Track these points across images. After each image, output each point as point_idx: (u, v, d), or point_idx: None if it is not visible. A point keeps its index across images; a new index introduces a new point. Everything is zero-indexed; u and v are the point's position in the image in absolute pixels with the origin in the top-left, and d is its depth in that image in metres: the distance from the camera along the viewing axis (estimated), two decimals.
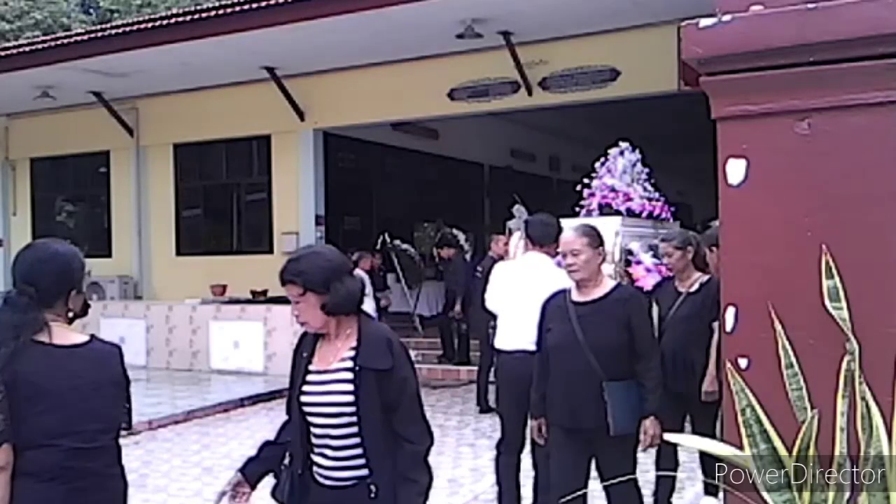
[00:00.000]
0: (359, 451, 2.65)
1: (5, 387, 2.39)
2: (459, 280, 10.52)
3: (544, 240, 5.01)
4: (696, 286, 5.05)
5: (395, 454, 2.63)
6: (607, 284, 4.04)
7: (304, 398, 2.75)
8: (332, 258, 2.75)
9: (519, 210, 10.41)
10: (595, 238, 3.97)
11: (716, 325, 4.57)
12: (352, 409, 2.63)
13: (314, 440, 2.73)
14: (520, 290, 4.88)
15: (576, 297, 3.99)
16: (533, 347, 4.30)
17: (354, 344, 2.70)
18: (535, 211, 6.72)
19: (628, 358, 3.90)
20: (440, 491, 6.02)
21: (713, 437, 3.47)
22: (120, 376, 2.68)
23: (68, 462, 2.50)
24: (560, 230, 5.67)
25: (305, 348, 2.85)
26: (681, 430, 4.88)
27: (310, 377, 2.77)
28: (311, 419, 2.73)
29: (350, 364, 2.66)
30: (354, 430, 2.63)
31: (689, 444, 2.92)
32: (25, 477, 2.44)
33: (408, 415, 2.68)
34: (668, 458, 4.99)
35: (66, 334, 2.58)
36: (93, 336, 2.68)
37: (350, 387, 2.64)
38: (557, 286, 4.32)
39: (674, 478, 5.08)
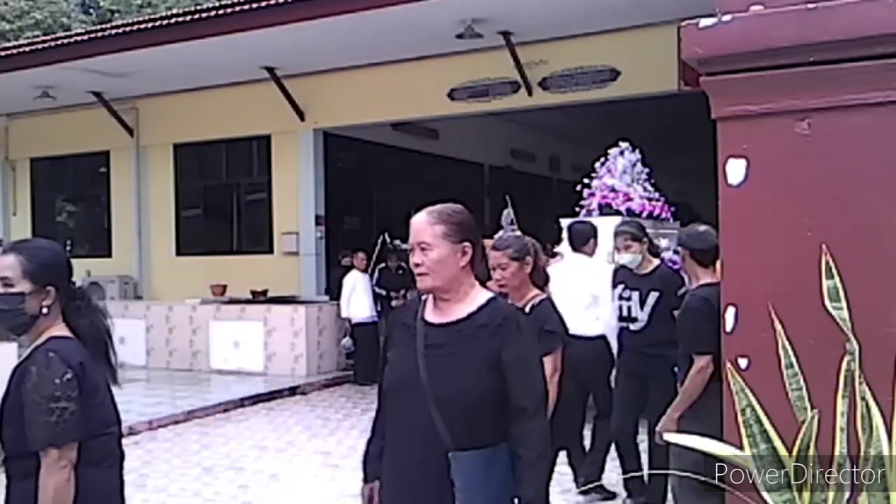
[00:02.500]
0: None
1: (77, 380, 2.45)
2: None
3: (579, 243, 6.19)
4: (528, 308, 3.89)
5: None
6: (476, 299, 2.64)
7: None
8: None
9: (508, 216, 10.34)
10: (459, 227, 2.67)
11: (697, 357, 4.00)
12: None
13: None
14: (567, 288, 5.49)
15: (430, 314, 2.66)
16: (582, 332, 5.23)
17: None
18: (528, 214, 6.88)
19: (496, 415, 2.52)
20: None
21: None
22: None
23: (119, 448, 2.66)
24: (594, 232, 6.31)
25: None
26: None
27: None
28: None
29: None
30: None
31: (689, 444, 2.92)
32: (89, 467, 2.49)
33: None
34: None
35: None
36: None
37: None
38: (591, 285, 5.61)
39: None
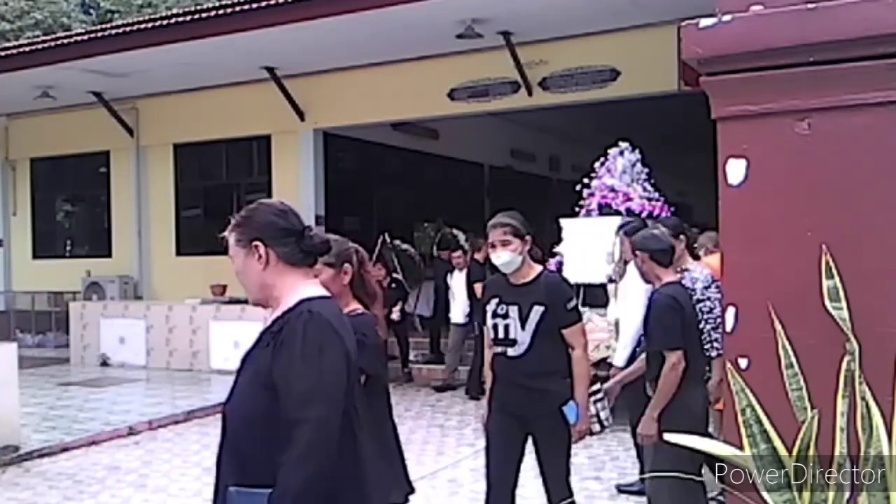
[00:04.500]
0: None
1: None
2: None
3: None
4: None
5: None
6: (288, 303, 2.33)
7: None
8: None
9: None
10: (244, 228, 2.40)
11: (669, 353, 4.10)
12: None
13: None
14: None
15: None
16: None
17: None
18: (528, 214, 6.62)
19: (271, 445, 2.17)
20: (440, 491, 6.03)
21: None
22: None
23: None
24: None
25: None
26: None
27: None
28: None
29: None
30: None
31: (689, 444, 2.92)
32: None
33: None
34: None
35: None
36: None
37: None
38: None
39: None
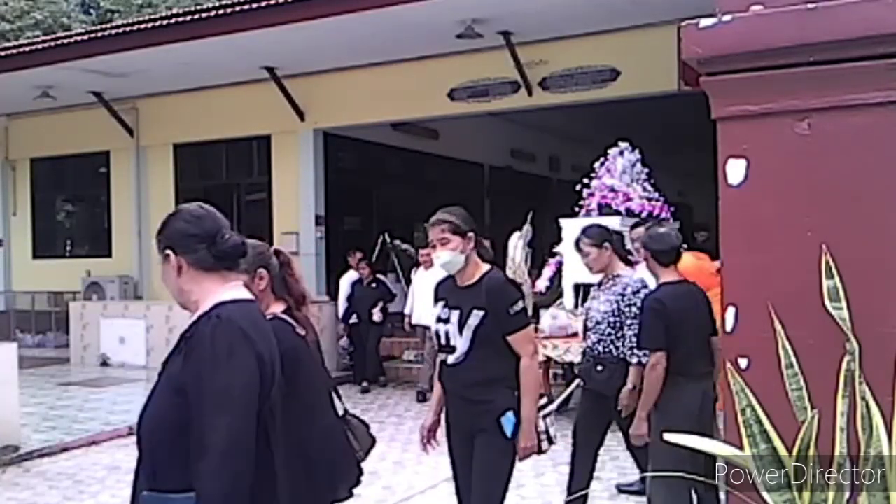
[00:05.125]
0: None
1: None
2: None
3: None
4: None
5: None
6: (203, 308, 2.29)
7: None
8: None
9: (525, 234, 10.02)
10: (162, 237, 2.43)
11: (650, 354, 4.30)
12: None
13: None
14: None
15: None
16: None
17: None
18: (535, 218, 6.49)
19: (181, 452, 2.14)
20: (440, 491, 6.02)
21: None
22: None
23: None
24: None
25: None
26: None
27: None
28: None
29: None
30: None
31: (689, 444, 2.92)
32: None
33: None
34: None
35: None
36: None
37: None
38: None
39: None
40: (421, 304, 9.64)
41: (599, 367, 4.82)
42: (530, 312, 5.34)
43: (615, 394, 4.66)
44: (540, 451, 3.77)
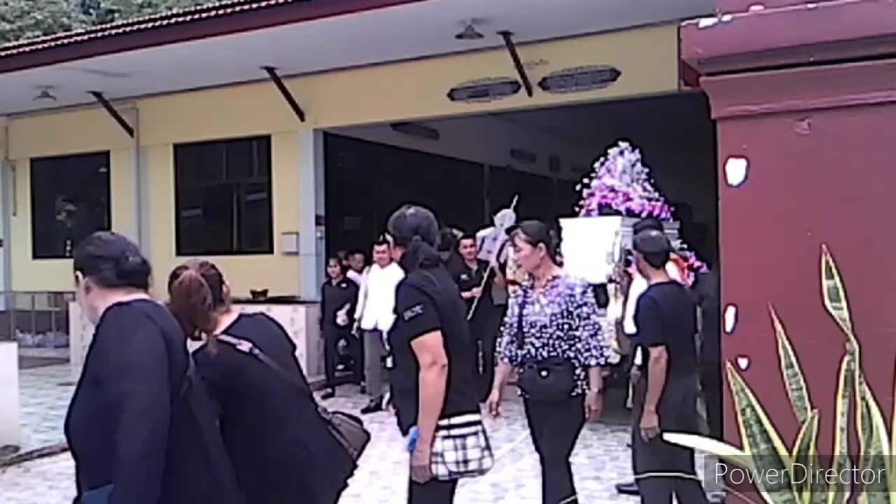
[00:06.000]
0: None
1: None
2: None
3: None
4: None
5: None
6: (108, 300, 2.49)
7: None
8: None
9: (505, 217, 9.88)
10: (74, 258, 2.66)
11: (651, 348, 4.50)
12: None
13: None
14: None
15: None
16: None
17: None
18: (529, 214, 6.52)
19: (103, 446, 2.22)
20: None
21: None
22: None
23: None
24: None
25: None
26: None
27: None
28: None
29: None
30: None
31: (689, 444, 2.92)
32: None
33: None
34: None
35: None
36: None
37: None
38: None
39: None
40: (375, 305, 8.75)
41: (544, 373, 4.47)
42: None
43: (563, 398, 4.42)
44: (436, 479, 3.41)
